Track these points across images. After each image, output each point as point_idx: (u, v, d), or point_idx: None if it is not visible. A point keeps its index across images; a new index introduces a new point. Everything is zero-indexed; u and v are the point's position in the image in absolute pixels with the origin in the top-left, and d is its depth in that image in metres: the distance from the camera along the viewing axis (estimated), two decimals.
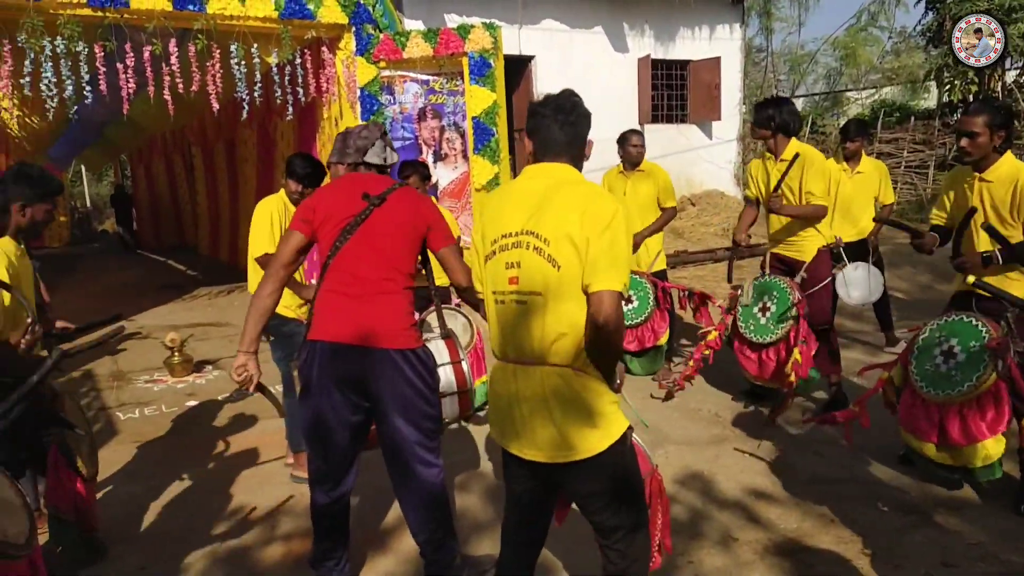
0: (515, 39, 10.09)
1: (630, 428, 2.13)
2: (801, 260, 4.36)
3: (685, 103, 12.19)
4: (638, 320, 5.28)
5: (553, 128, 2.12)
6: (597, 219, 1.97)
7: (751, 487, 3.63)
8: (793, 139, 4.38)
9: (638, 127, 11.17)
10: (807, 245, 4.39)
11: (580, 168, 2.18)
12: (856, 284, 5.01)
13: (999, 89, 12.79)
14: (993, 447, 3.11)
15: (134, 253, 16.61)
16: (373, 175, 2.84)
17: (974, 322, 3.20)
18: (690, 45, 11.93)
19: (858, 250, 5.25)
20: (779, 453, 4.02)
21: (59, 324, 3.52)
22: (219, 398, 5.60)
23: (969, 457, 3.15)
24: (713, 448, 4.14)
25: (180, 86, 6.67)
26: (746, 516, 3.36)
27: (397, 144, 7.93)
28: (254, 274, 3.88)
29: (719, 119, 12.00)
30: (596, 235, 1.95)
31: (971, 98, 12.93)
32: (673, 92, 12.11)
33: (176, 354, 6.19)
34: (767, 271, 4.50)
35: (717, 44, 12.07)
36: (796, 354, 4.00)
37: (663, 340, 5.38)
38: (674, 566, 2.97)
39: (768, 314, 4.29)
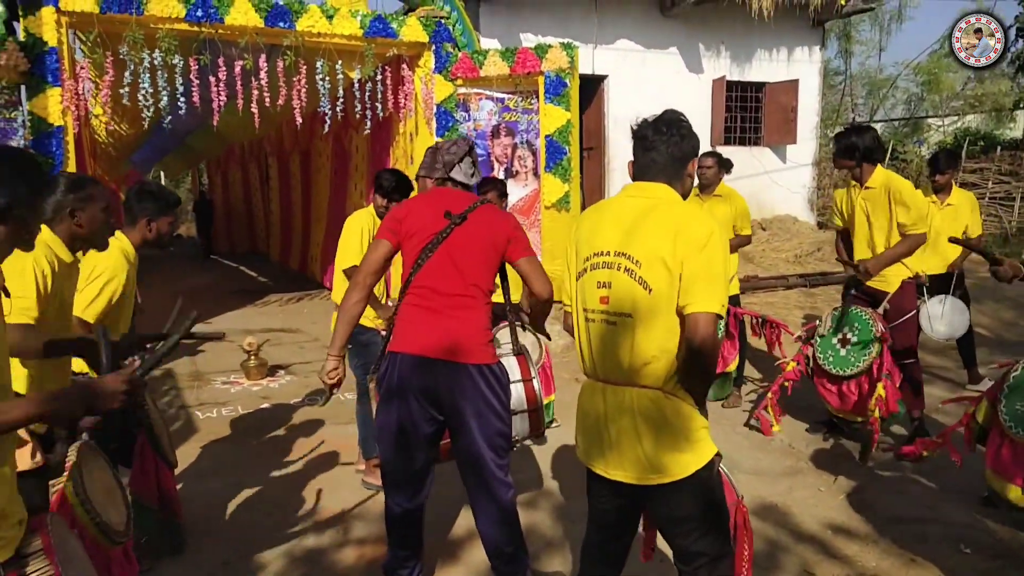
0: (589, 58, 10.14)
1: (718, 455, 2.11)
2: (885, 291, 4.24)
3: (759, 125, 12.00)
4: None
5: (651, 149, 2.13)
6: (692, 240, 1.95)
7: (828, 521, 3.54)
8: (879, 167, 4.28)
9: (711, 148, 11.10)
10: (891, 275, 4.26)
11: (685, 187, 2.17)
12: (941, 318, 4.85)
13: None
14: None
15: (207, 259, 17.20)
16: (458, 191, 2.90)
17: None
18: (767, 67, 11.77)
19: (944, 284, 5.07)
20: (857, 489, 3.90)
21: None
22: (292, 402, 5.76)
23: None
24: (786, 480, 4.04)
25: (267, 99, 6.94)
26: (823, 551, 3.27)
27: None
28: (340, 284, 4.01)
29: (795, 142, 11.77)
30: (691, 256, 1.94)
31: None
32: (747, 114, 11.95)
33: (252, 358, 6.40)
34: (848, 301, 4.39)
35: (795, 66, 11.87)
36: (880, 388, 3.88)
37: (732, 367, 5.29)
38: None
39: (848, 346, 4.18)
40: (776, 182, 11.96)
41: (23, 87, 6.13)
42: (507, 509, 2.78)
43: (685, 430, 2.02)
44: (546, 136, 7.84)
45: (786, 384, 4.36)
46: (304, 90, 7.18)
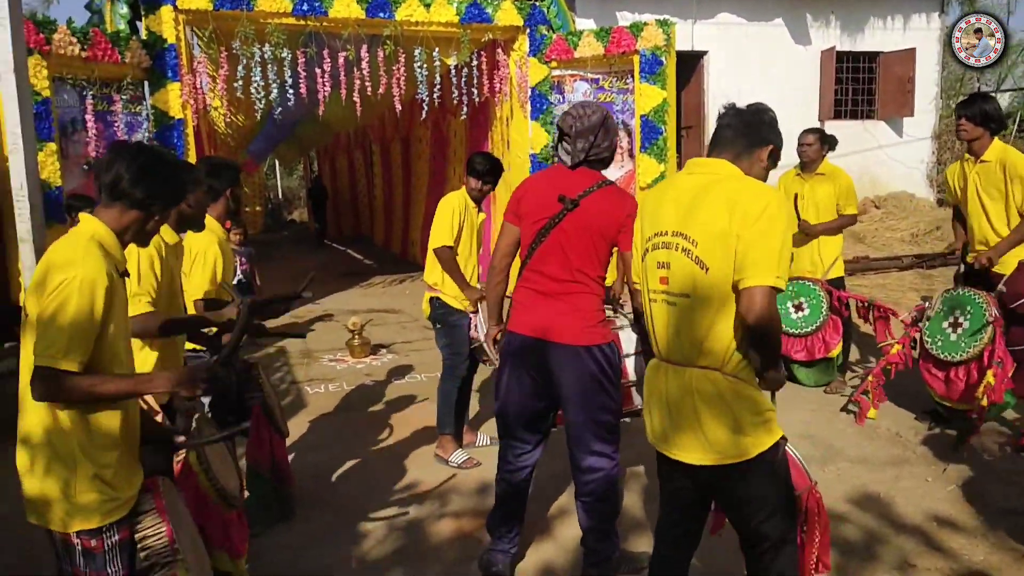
0: (688, 34, 9.90)
1: (783, 439, 2.08)
2: (1000, 273, 3.99)
3: (873, 98, 11.37)
4: (808, 329, 5.04)
5: (722, 125, 2.13)
6: (747, 211, 1.91)
7: (934, 513, 3.39)
8: (996, 139, 4.01)
9: (818, 124, 10.62)
10: (1008, 257, 4.00)
11: (754, 173, 2.11)
12: None
13: None
14: None
15: (321, 245, 17.83)
16: (581, 170, 2.84)
17: None
18: (880, 36, 11.11)
19: None
20: (968, 480, 3.71)
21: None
22: (394, 380, 5.99)
23: None
24: (892, 469, 3.89)
25: (368, 88, 7.19)
26: (927, 543, 3.14)
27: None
28: (432, 264, 4.14)
29: (911, 115, 11.09)
30: (746, 228, 1.90)
31: None
32: (860, 87, 11.34)
33: (356, 337, 6.69)
34: (961, 283, 4.15)
35: (912, 35, 11.15)
36: (990, 376, 3.67)
37: (835, 352, 5.10)
38: None
39: (960, 330, 3.96)
40: (892, 157, 11.32)
41: (146, 83, 6.61)
42: (605, 484, 2.85)
43: (746, 412, 2.00)
44: (641, 116, 7.75)
45: (888, 368, 4.17)
46: (403, 78, 7.39)
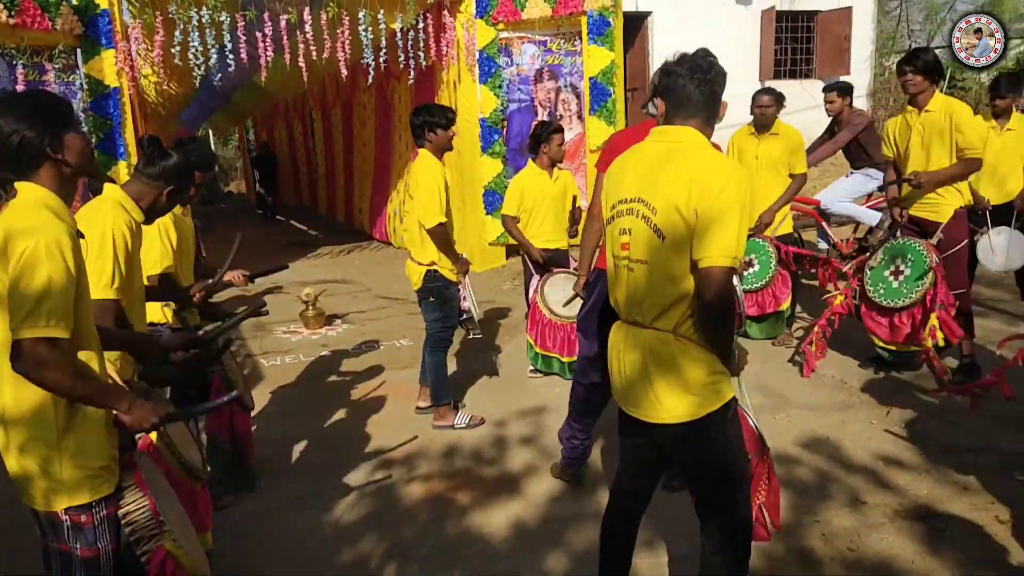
0: None
1: (734, 400, 2.10)
2: (937, 221, 4.18)
3: (811, 57, 11.62)
4: (759, 284, 5.21)
5: (689, 88, 2.05)
6: (707, 188, 1.90)
7: (880, 453, 3.59)
8: (937, 91, 4.18)
9: (759, 83, 10.81)
10: (944, 205, 4.19)
11: (711, 129, 2.13)
12: (998, 250, 4.76)
13: None
14: None
15: (273, 219, 16.95)
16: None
17: None
18: None
19: (1004, 214, 4.95)
20: (910, 421, 3.93)
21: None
22: (351, 349, 5.97)
23: None
24: (839, 414, 4.09)
25: (313, 53, 7.01)
26: (875, 481, 3.34)
27: (513, 106, 8.04)
28: (424, 239, 4.04)
29: (848, 73, 11.37)
30: (705, 206, 1.89)
31: None
32: (799, 46, 11.56)
33: (311, 308, 6.63)
34: (899, 233, 4.34)
35: None
36: (933, 319, 3.87)
37: (784, 306, 5.29)
38: (800, 523, 3.01)
39: (902, 277, 4.15)
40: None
41: (79, 50, 6.31)
42: None
43: (691, 373, 2.02)
44: (590, 78, 7.76)
45: (833, 318, 4.36)
46: (348, 42, 7.22)
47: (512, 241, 5.33)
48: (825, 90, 6.03)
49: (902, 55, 4.54)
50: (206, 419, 3.50)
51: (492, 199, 7.90)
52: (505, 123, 7.98)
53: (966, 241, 4.25)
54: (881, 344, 4.34)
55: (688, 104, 2.07)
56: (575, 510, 3.26)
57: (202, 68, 6.78)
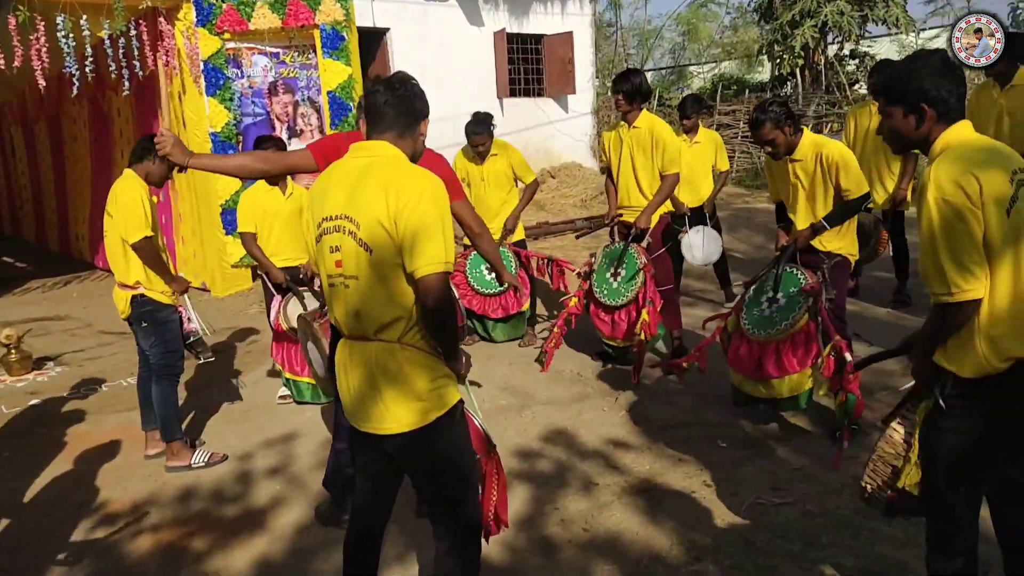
0: (368, 10, 9.93)
1: (460, 403, 2.18)
2: (646, 227, 4.68)
3: (542, 77, 12.46)
4: (502, 288, 5.44)
5: (383, 104, 2.11)
6: (404, 198, 1.94)
7: (610, 437, 3.92)
8: (644, 110, 4.68)
9: (496, 102, 11.36)
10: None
11: (417, 147, 2.18)
12: (697, 247, 5.45)
13: (821, 63, 13.99)
14: (799, 380, 3.58)
15: None
16: None
17: (795, 272, 3.65)
18: (543, 20, 12.19)
19: (698, 215, 5.69)
20: (634, 405, 4.34)
21: None
22: (66, 395, 5.27)
23: (778, 388, 3.64)
24: (576, 405, 4.40)
25: (2, 61, 6.10)
26: (605, 463, 3.63)
27: (248, 120, 7.65)
28: (130, 260, 3.76)
29: (574, 92, 12.37)
30: (404, 217, 1.93)
31: (798, 72, 14.09)
32: (530, 66, 12.34)
33: (13, 351, 5.75)
34: (616, 238, 4.80)
35: (569, 19, 12.40)
36: (644, 314, 4.32)
37: (526, 307, 5.60)
38: (541, 513, 3.18)
39: (619, 279, 4.58)
40: (561, 131, 12.54)
41: None
42: None
43: (422, 380, 2.05)
44: (329, 92, 7.64)
45: (570, 318, 4.69)
46: (45, 49, 6.39)
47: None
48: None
49: None
50: None
51: (231, 218, 7.42)
52: (240, 138, 7.56)
53: (671, 243, 4.81)
54: (605, 340, 4.76)
55: (382, 119, 2.12)
56: (324, 537, 3.15)
57: None
